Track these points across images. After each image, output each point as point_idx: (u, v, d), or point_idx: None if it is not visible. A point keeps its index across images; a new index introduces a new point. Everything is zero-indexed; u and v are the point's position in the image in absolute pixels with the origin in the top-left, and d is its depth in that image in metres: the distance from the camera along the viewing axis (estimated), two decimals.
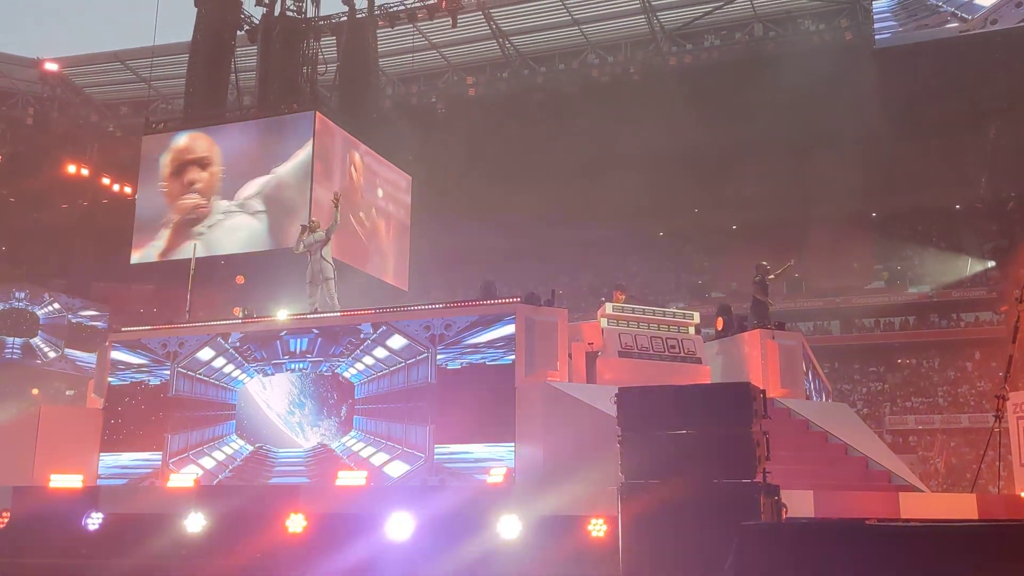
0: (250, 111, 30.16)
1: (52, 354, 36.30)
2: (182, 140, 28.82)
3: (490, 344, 14.29)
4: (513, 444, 13.60)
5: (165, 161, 28.72)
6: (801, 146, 36.98)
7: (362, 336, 15.26)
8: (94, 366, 21.00)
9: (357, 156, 29.35)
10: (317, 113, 27.63)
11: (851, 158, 38.20)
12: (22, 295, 36.40)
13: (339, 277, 17.89)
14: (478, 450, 13.85)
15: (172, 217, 28.21)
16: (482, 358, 14.33)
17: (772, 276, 18.09)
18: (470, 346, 14.46)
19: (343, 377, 15.22)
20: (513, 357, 14.07)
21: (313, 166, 26.70)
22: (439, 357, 14.56)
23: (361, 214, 29.24)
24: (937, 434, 34.67)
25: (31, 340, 36.13)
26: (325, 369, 15.42)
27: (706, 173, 41.29)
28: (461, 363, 14.44)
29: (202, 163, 28.28)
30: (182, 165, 28.53)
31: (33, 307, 36.54)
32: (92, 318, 38.14)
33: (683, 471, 7.73)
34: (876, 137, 37.88)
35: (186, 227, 27.94)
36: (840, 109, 34.87)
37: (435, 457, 14.10)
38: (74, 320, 37.44)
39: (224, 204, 27.76)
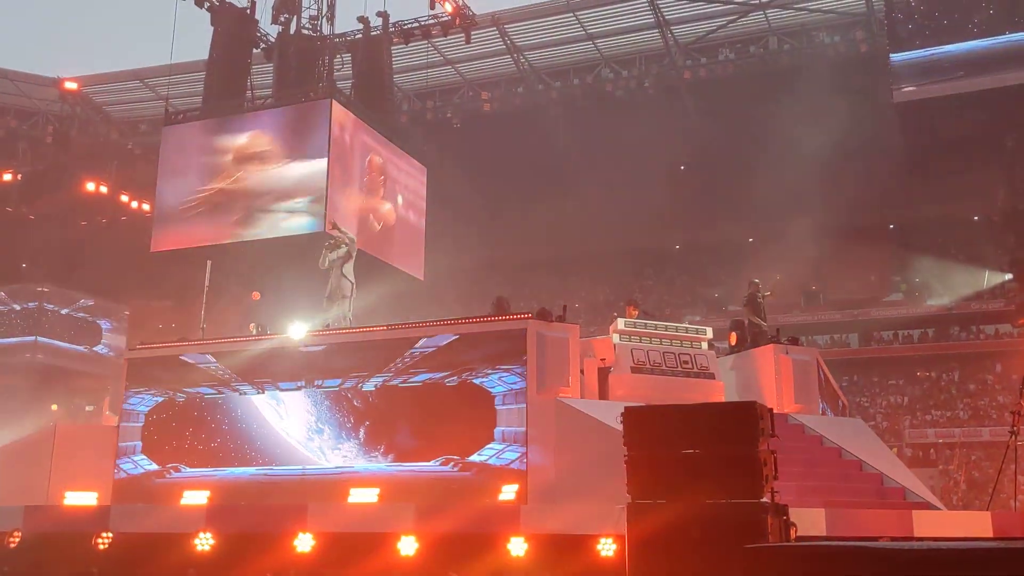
0: (267, 101, 30.43)
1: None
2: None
3: None
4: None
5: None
6: (817, 158, 36.81)
7: None
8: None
9: (376, 158, 29.67)
10: (333, 102, 27.86)
11: (868, 170, 38.01)
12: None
13: (358, 267, 18.16)
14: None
15: (196, 208, 28.71)
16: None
17: (768, 293, 17.93)
18: None
19: None
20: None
21: (329, 154, 27.00)
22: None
23: (383, 207, 29.58)
24: (957, 448, 34.32)
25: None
26: None
27: (722, 186, 41.19)
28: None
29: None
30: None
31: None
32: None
33: (689, 491, 7.70)
34: (893, 148, 37.70)
35: (205, 217, 28.45)
36: (857, 121, 34.74)
37: None
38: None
39: (238, 194, 28.26)
